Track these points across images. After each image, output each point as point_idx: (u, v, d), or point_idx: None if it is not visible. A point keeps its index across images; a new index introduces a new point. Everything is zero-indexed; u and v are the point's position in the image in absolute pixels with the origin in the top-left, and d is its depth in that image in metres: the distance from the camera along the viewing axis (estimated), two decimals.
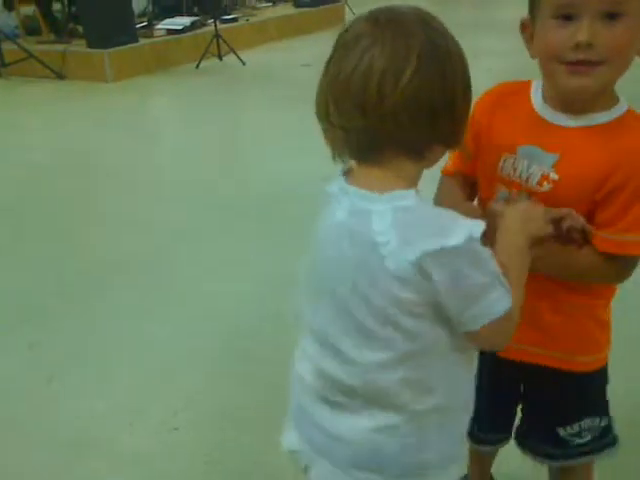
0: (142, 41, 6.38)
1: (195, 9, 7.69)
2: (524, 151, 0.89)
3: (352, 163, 0.78)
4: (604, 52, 0.78)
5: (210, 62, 6.39)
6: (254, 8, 8.70)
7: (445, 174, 1.03)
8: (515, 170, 0.90)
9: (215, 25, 6.42)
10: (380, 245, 0.71)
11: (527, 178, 0.89)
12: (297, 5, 8.98)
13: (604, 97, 0.86)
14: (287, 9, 8.83)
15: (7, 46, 6.20)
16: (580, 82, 0.81)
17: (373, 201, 0.73)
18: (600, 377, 1.06)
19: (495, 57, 6.33)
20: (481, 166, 0.97)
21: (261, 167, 3.50)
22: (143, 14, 7.41)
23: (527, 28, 0.90)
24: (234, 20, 7.55)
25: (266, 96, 5.20)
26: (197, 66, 6.29)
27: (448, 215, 0.73)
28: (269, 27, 7.94)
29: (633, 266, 0.89)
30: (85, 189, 3.34)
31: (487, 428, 1.16)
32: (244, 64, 6.34)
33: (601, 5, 0.76)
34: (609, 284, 0.95)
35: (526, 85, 0.95)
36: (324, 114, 0.75)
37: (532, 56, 0.89)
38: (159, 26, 6.84)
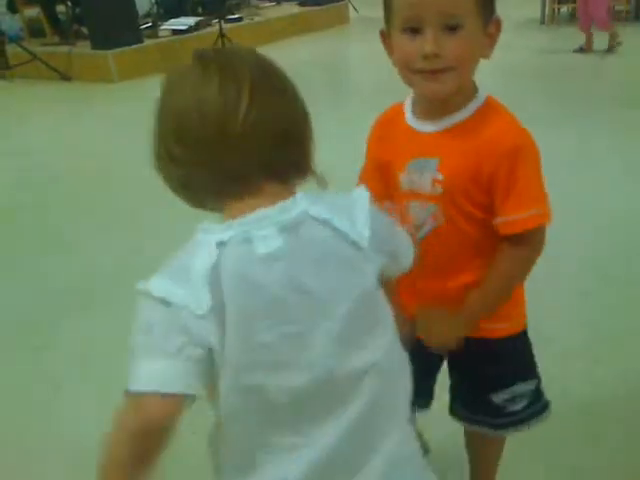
0: (147, 42, 6.38)
1: (199, 9, 7.68)
2: (412, 165, 0.98)
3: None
4: (449, 60, 0.88)
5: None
6: (258, 7, 8.68)
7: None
8: (413, 183, 0.99)
9: (220, 25, 6.41)
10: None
11: (423, 186, 0.98)
12: (301, 4, 8.96)
13: (459, 97, 0.95)
14: (291, 8, 8.81)
15: (12, 48, 6.22)
16: (433, 87, 0.91)
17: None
18: (522, 341, 1.12)
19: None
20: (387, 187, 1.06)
21: None
22: (147, 15, 7.41)
23: (385, 39, 1.00)
24: (239, 20, 7.54)
25: None
26: None
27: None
28: (274, 26, 7.92)
29: (540, 237, 0.98)
30: (91, 191, 3.33)
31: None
32: None
33: (441, 19, 0.85)
34: (533, 261, 1.01)
35: (400, 107, 1.04)
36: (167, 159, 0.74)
37: (394, 64, 0.98)
38: (164, 27, 6.84)
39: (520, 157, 0.93)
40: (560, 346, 1.84)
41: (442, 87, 0.91)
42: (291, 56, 6.83)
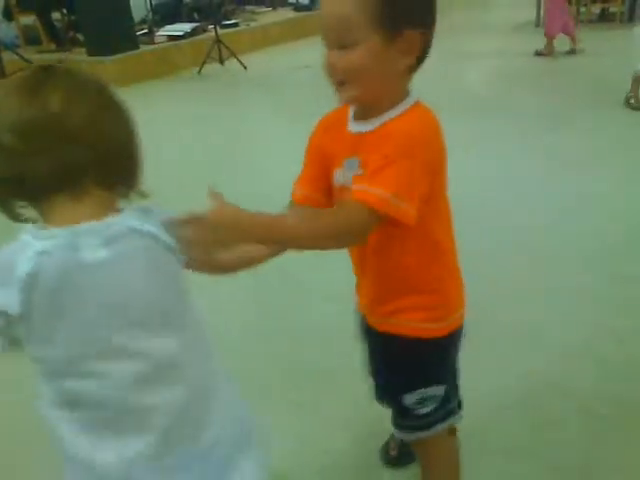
0: (143, 48, 6.38)
1: (195, 15, 7.70)
2: (346, 163, 1.04)
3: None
4: (341, 74, 0.97)
5: (212, 67, 6.38)
6: (254, 13, 8.71)
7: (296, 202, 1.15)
8: (344, 179, 1.05)
9: (216, 30, 6.42)
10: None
11: (348, 182, 1.02)
12: (296, 9, 8.98)
13: (385, 102, 0.99)
14: (287, 13, 8.84)
15: (7, 56, 6.21)
16: (339, 96, 1.01)
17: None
18: (435, 346, 1.11)
19: (485, 58, 6.33)
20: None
21: (265, 171, 3.48)
22: (143, 21, 7.42)
23: None
24: (235, 25, 7.56)
25: (269, 99, 5.20)
26: (199, 71, 6.28)
27: None
28: (269, 31, 7.94)
29: (361, 216, 0.92)
30: None
31: None
32: (245, 68, 6.33)
33: (336, 39, 0.95)
34: (337, 235, 0.96)
35: (347, 108, 1.09)
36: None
37: None
38: (160, 33, 6.85)
39: (396, 142, 0.95)
40: (560, 345, 1.85)
41: (344, 96, 1.00)
42: (286, 61, 6.85)
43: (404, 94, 1.02)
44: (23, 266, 0.72)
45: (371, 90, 0.98)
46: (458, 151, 3.76)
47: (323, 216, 0.99)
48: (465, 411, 1.25)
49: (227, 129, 4.45)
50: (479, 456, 1.44)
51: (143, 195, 0.85)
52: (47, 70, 0.81)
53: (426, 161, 0.96)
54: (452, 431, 1.23)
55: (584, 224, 2.60)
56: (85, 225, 0.75)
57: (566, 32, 5.82)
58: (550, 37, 5.87)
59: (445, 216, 1.09)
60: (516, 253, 2.40)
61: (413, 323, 1.09)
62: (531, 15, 7.70)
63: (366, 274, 1.12)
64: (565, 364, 1.77)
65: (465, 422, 1.25)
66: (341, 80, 0.98)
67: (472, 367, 1.73)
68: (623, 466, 1.43)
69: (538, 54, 5.96)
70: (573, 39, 5.89)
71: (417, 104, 1.02)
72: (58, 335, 0.76)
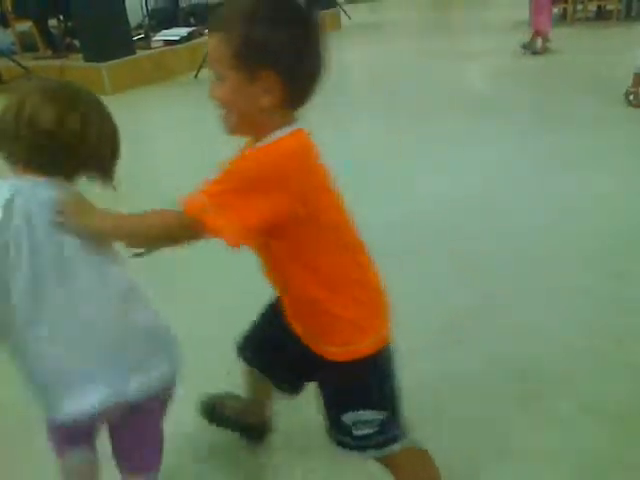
0: (139, 53, 6.37)
1: (191, 20, 7.69)
2: None
3: None
4: (219, 102, 1.06)
5: (208, 72, 6.37)
6: None
7: None
8: None
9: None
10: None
11: None
12: None
13: (262, 131, 1.03)
14: None
15: (4, 63, 6.21)
16: (223, 123, 1.09)
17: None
18: (362, 369, 1.09)
19: (485, 56, 6.34)
20: None
21: None
22: (140, 26, 7.42)
23: None
24: None
25: None
26: (196, 76, 6.28)
27: None
28: None
29: (183, 223, 0.99)
30: None
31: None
32: None
33: (214, 72, 1.06)
34: (175, 234, 1.03)
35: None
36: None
37: None
38: (156, 37, 6.85)
39: (242, 163, 1.02)
40: (561, 344, 1.84)
41: (223, 122, 1.09)
42: None
43: (282, 124, 1.03)
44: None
45: (242, 120, 1.05)
46: (458, 150, 3.78)
47: (151, 215, 1.04)
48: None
49: (225, 134, 4.44)
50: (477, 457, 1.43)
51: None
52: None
53: (270, 188, 0.95)
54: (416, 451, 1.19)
55: (584, 224, 2.59)
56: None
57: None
58: (539, 33, 5.96)
59: (336, 243, 1.07)
60: (516, 253, 2.39)
61: (332, 348, 1.09)
62: (524, 15, 7.73)
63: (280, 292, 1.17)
64: (566, 364, 1.76)
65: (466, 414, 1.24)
66: (220, 106, 1.08)
67: (474, 366, 1.74)
68: (631, 465, 1.42)
69: (534, 53, 5.98)
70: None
71: (293, 133, 1.03)
72: None
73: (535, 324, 1.95)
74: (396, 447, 1.13)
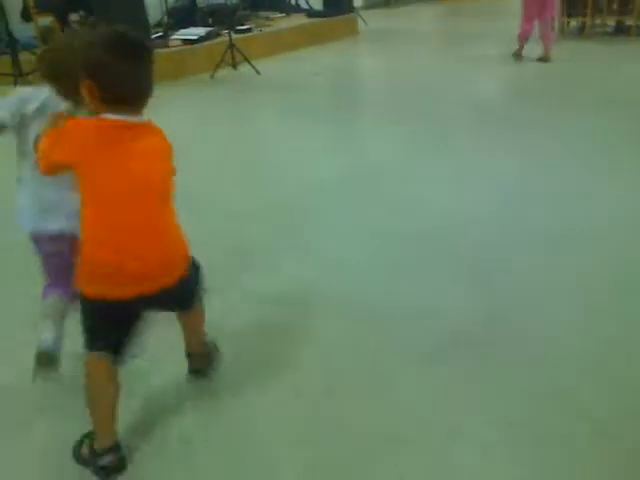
0: (157, 51, 6.44)
1: (209, 20, 7.76)
2: None
3: None
4: None
5: (225, 71, 6.44)
6: (268, 19, 8.76)
7: None
8: None
9: (230, 35, 6.48)
10: None
11: None
12: (310, 15, 9.04)
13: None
14: (300, 19, 8.89)
15: (24, 56, 6.29)
16: None
17: None
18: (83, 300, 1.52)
19: (494, 62, 6.38)
20: None
21: (277, 174, 3.51)
22: (159, 25, 7.49)
23: None
24: (248, 30, 7.61)
25: (280, 104, 5.24)
26: (212, 75, 6.34)
27: None
28: (283, 37, 7.99)
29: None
30: None
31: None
32: (258, 73, 6.38)
33: None
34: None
35: None
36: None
37: None
38: (174, 36, 6.91)
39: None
40: (575, 360, 1.83)
41: None
42: (298, 66, 6.90)
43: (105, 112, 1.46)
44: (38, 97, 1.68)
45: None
46: (470, 162, 3.74)
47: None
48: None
49: (240, 133, 4.49)
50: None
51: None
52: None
53: (65, 146, 1.44)
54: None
55: (605, 242, 2.55)
56: None
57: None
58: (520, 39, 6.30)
59: (92, 198, 1.46)
60: (530, 267, 2.37)
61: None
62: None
63: None
64: (578, 380, 1.74)
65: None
66: None
67: (484, 381, 1.75)
68: None
69: (539, 59, 6.18)
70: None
71: (101, 118, 1.45)
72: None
73: (550, 340, 1.92)
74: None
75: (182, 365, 1.82)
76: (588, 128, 4.04)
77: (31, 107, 1.65)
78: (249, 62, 6.44)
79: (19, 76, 6.24)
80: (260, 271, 2.44)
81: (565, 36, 7.65)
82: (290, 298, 2.26)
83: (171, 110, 5.29)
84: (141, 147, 1.47)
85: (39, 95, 1.67)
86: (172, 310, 1.70)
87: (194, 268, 1.64)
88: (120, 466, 1.51)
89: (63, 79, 1.63)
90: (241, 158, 2.76)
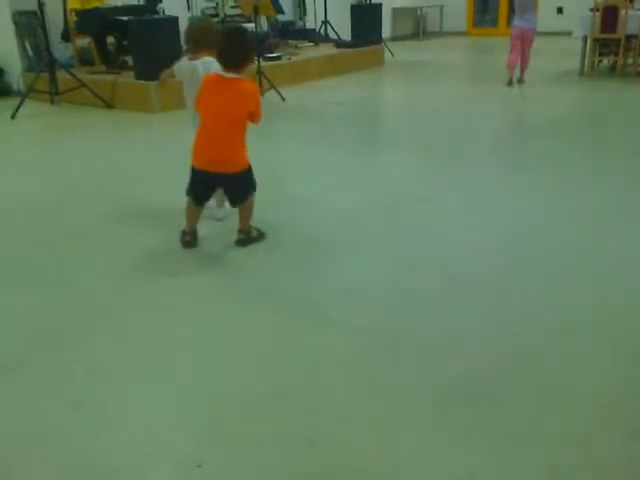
0: None
1: None
2: None
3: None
4: None
5: None
6: (296, 47, 8.99)
7: None
8: None
9: (258, 62, 6.67)
10: None
11: None
12: (338, 46, 9.25)
13: None
14: (328, 49, 9.10)
15: (61, 75, 6.54)
16: None
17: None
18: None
19: (518, 97, 6.36)
20: None
21: (294, 199, 3.60)
22: None
23: None
24: (277, 58, 7.82)
25: (302, 131, 5.37)
26: None
27: None
28: (310, 66, 8.19)
29: None
30: (115, 213, 3.48)
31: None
32: (284, 100, 6.56)
33: None
34: None
35: None
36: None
37: None
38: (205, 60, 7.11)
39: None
40: (591, 407, 1.78)
41: None
42: (324, 95, 7.06)
43: None
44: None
45: None
46: (490, 196, 3.71)
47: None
48: None
49: (262, 158, 4.61)
50: None
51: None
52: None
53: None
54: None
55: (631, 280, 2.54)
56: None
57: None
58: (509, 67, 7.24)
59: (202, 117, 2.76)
60: (549, 307, 2.32)
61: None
62: (574, 65, 7.86)
63: None
64: (595, 426, 1.69)
65: None
66: None
67: (500, 423, 1.70)
68: None
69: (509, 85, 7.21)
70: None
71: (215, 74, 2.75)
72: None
73: (567, 387, 1.87)
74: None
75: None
76: (612, 165, 4.08)
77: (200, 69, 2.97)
78: (275, 89, 6.62)
79: (56, 94, 6.49)
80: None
81: (595, 75, 7.72)
82: (306, 325, 2.25)
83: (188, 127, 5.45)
84: (228, 92, 2.66)
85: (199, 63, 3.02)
86: (230, 198, 2.89)
87: (248, 177, 2.78)
88: (193, 243, 2.90)
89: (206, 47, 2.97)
90: (260, 183, 2.85)
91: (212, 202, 3.07)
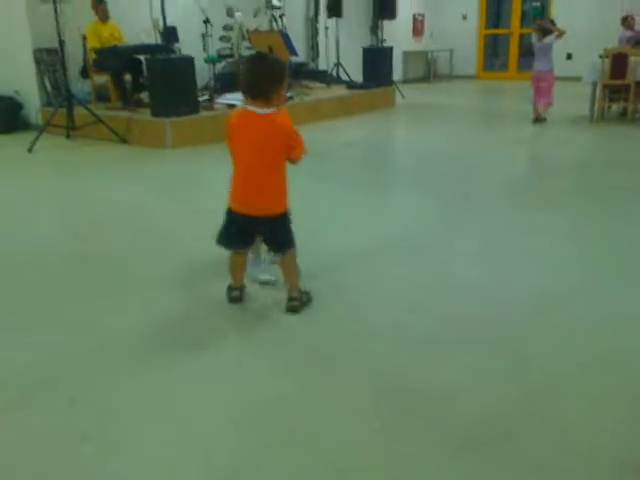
0: (203, 113, 6.77)
1: None
2: None
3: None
4: None
5: None
6: (309, 88, 9.15)
7: None
8: None
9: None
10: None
11: None
12: (350, 87, 9.41)
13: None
14: (340, 90, 9.26)
15: (79, 110, 6.68)
16: None
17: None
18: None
19: (528, 140, 6.40)
20: None
21: (309, 233, 3.61)
22: (205, 88, 7.89)
23: None
24: (290, 98, 7.95)
25: (312, 171, 5.39)
26: None
27: None
28: (322, 106, 8.32)
29: None
30: (130, 249, 3.50)
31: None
32: None
33: None
34: None
35: None
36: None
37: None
38: (219, 100, 7.27)
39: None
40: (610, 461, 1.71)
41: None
42: (335, 136, 7.15)
43: None
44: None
45: None
46: (502, 240, 3.66)
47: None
48: None
49: None
50: None
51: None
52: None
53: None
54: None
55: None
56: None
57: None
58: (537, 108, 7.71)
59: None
60: (568, 360, 2.25)
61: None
62: (583, 110, 7.93)
63: None
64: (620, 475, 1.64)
65: None
66: None
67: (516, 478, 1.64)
68: None
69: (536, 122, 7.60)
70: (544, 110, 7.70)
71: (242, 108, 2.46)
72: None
73: (587, 445, 1.79)
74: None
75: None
76: (623, 213, 4.07)
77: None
78: None
79: (72, 129, 6.62)
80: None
81: (605, 120, 7.78)
82: (318, 369, 2.22)
83: (211, 169, 5.52)
84: (257, 127, 2.36)
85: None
86: (273, 245, 2.58)
87: (286, 223, 2.54)
88: (241, 298, 2.68)
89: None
90: None
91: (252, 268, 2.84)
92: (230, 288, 2.68)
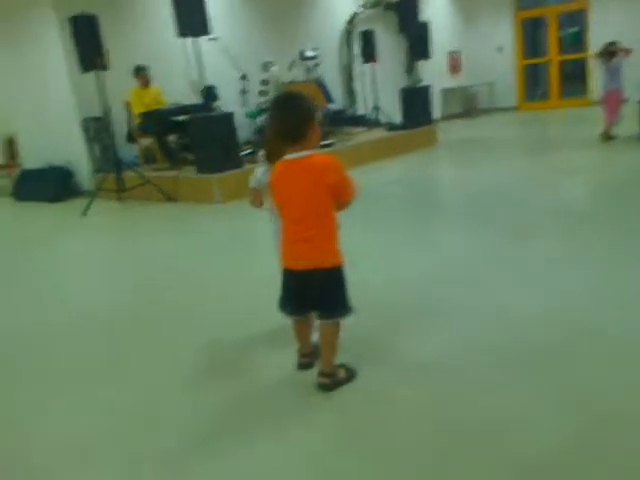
0: (247, 167, 6.87)
1: None
2: None
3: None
4: None
5: None
6: (349, 134, 9.22)
7: None
8: None
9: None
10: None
11: None
12: (390, 128, 9.44)
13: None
14: (380, 133, 9.30)
15: (128, 173, 6.90)
16: None
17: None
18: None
19: (574, 169, 6.36)
20: None
21: (360, 271, 3.56)
22: (248, 142, 8.05)
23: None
24: (331, 145, 8.02)
25: (361, 211, 5.37)
26: None
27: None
28: (363, 150, 8.35)
29: None
30: (177, 306, 3.52)
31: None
32: None
33: None
34: None
35: None
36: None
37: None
38: (262, 153, 7.37)
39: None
40: None
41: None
42: (377, 176, 7.13)
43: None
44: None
45: None
46: (551, 272, 3.57)
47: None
48: None
49: None
50: None
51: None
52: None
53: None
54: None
55: None
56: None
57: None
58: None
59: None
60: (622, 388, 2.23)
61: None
62: (633, 129, 7.71)
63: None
64: None
65: None
66: None
67: None
68: None
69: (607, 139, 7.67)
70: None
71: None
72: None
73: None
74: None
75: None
76: None
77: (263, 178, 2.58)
78: None
79: (122, 191, 6.82)
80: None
81: None
82: (369, 405, 2.21)
83: (257, 221, 5.57)
84: (296, 173, 2.16)
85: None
86: (322, 308, 2.27)
87: (340, 279, 2.27)
88: (309, 364, 2.46)
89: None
90: None
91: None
92: (300, 354, 2.51)
